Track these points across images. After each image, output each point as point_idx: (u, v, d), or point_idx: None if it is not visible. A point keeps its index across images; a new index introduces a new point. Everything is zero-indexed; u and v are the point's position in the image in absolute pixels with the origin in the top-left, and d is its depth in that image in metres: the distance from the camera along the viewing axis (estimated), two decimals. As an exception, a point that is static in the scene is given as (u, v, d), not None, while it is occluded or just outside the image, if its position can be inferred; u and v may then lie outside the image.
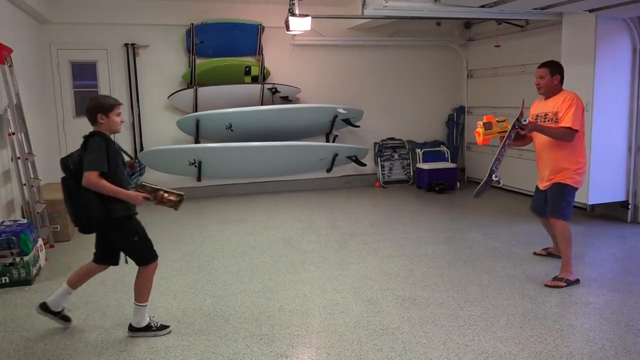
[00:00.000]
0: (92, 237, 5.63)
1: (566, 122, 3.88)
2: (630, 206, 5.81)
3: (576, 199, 5.70)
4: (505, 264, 4.46)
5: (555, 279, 4.01)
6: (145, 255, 3.25)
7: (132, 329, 3.25)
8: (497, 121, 4.09)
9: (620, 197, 5.83)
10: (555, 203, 4.06)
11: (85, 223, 3.19)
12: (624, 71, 5.62)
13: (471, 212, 6.48)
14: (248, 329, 3.32)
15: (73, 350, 3.07)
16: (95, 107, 3.11)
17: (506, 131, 4.07)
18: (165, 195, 3.24)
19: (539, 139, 4.12)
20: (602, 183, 5.66)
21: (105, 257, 3.35)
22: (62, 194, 3.20)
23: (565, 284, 3.95)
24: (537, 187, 4.31)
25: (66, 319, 3.37)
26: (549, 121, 4.03)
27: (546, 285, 3.96)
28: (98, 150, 3.01)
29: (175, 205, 3.28)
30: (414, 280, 4.12)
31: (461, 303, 3.64)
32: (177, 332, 3.29)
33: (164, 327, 3.30)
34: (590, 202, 5.74)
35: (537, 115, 4.16)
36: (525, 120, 3.91)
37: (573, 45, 5.69)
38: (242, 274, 4.33)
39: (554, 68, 4.04)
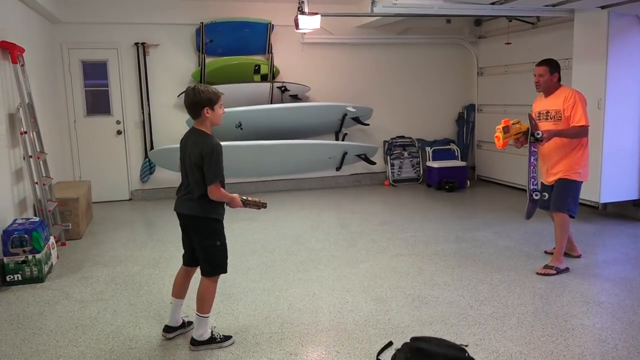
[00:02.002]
0: (102, 235, 5.69)
1: (578, 120, 4.00)
2: (643, 205, 5.75)
3: (589, 198, 5.77)
4: (516, 263, 4.43)
5: (546, 266, 4.16)
6: (218, 263, 3.08)
7: (194, 342, 3.03)
8: (512, 124, 4.22)
9: (633, 196, 5.76)
10: (561, 199, 4.14)
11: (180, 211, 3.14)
12: (636, 68, 5.55)
13: (481, 211, 6.44)
14: (257, 327, 3.32)
15: (85, 347, 3.10)
16: (202, 100, 2.91)
17: (521, 132, 4.20)
18: (249, 199, 3.27)
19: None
20: (614, 181, 5.60)
21: (192, 260, 3.22)
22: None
23: (555, 272, 4.11)
24: (541, 183, 4.31)
25: (189, 323, 3.28)
26: (551, 119, 4.15)
27: (537, 273, 4.12)
28: (217, 159, 2.95)
29: (259, 207, 3.31)
30: (424, 279, 4.11)
31: (471, 302, 3.63)
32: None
33: (227, 337, 3.10)
34: (602, 201, 5.68)
35: (539, 113, 4.28)
36: (539, 134, 4.00)
37: (585, 42, 5.63)
38: (252, 272, 4.34)
39: (553, 66, 4.16)
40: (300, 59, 7.83)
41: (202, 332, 3.04)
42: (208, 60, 7.33)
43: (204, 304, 3.03)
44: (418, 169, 8.41)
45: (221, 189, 2.99)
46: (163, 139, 7.38)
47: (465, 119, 8.61)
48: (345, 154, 7.63)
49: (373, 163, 7.91)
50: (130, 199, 7.46)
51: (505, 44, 7.43)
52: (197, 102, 2.92)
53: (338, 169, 7.93)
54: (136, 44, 7.20)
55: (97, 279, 4.26)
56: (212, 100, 2.94)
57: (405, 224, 5.81)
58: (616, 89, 5.46)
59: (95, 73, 7.23)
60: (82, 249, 5.11)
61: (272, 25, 7.46)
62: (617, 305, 3.55)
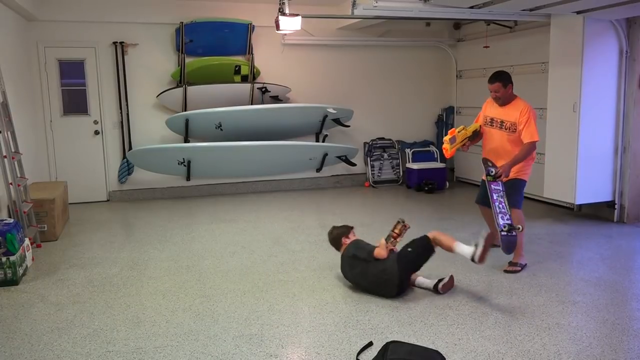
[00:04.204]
0: (79, 236, 5.61)
1: (530, 137, 4.27)
2: (616, 206, 5.88)
3: (564, 199, 5.89)
4: (493, 264, 4.48)
5: (511, 264, 4.35)
6: None
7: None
8: (458, 131, 4.54)
9: (607, 197, 5.89)
10: (515, 196, 4.35)
11: None
12: (610, 72, 5.68)
13: (460, 212, 6.51)
14: (237, 328, 3.31)
15: (60, 351, 3.05)
16: (339, 235, 4.15)
17: (467, 137, 4.53)
18: (396, 232, 3.89)
19: (496, 139, 4.46)
20: (589, 183, 5.72)
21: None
22: None
23: (520, 268, 4.31)
24: (483, 180, 4.50)
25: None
26: (505, 129, 4.40)
27: (505, 271, 4.28)
28: (365, 247, 3.92)
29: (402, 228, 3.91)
30: (404, 279, 4.13)
31: (450, 302, 3.66)
32: (165, 332, 3.27)
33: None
34: (578, 202, 5.80)
35: (493, 119, 4.51)
36: (493, 172, 4.24)
37: (561, 46, 5.74)
38: (232, 274, 4.32)
39: (505, 79, 4.39)
40: (281, 60, 7.82)
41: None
42: (188, 60, 7.27)
43: None
44: (398, 170, 8.47)
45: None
46: (142, 140, 7.30)
47: (445, 121, 8.70)
48: (325, 155, 7.65)
49: (353, 164, 7.93)
50: (108, 200, 7.36)
51: (484, 47, 7.53)
52: (336, 237, 4.15)
53: (318, 170, 7.94)
54: (114, 43, 7.11)
55: (74, 281, 4.19)
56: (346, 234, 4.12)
57: (385, 225, 5.79)
58: (591, 92, 5.58)
59: (72, 72, 7.11)
60: (58, 251, 5.02)
61: (253, 25, 7.43)
62: (592, 305, 3.62)
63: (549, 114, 5.94)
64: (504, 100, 4.41)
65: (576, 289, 3.91)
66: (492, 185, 4.22)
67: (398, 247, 3.86)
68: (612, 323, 3.33)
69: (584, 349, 3.00)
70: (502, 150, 4.42)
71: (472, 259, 3.61)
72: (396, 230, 3.84)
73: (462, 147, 4.58)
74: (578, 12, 5.39)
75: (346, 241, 4.03)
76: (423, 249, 3.78)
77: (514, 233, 3.98)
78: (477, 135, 4.63)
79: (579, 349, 3.00)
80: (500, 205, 4.12)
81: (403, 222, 3.86)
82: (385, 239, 3.83)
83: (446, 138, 4.60)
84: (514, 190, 4.34)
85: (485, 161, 4.44)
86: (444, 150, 4.63)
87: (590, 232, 5.50)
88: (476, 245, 3.63)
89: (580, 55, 5.48)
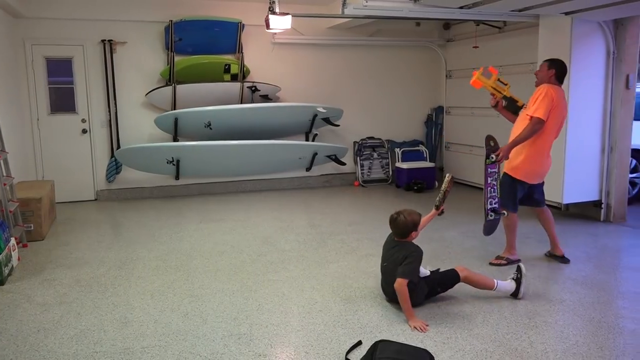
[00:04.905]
0: (66, 236, 5.55)
1: (534, 110, 4.09)
2: (603, 205, 5.94)
3: (552, 199, 5.92)
4: (482, 263, 4.51)
5: (498, 257, 4.46)
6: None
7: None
8: (499, 80, 4.29)
9: (594, 197, 5.95)
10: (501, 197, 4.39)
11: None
12: (598, 73, 5.73)
13: (449, 211, 6.50)
14: (226, 328, 3.30)
15: (46, 351, 3.02)
16: (413, 224, 3.50)
17: (500, 94, 4.33)
18: (446, 188, 3.85)
19: (518, 121, 4.31)
20: (576, 183, 5.77)
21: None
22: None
23: (506, 262, 4.38)
24: (509, 180, 4.32)
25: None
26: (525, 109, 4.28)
27: (490, 264, 4.41)
28: (417, 263, 3.44)
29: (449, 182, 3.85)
30: (393, 278, 4.14)
31: (438, 301, 3.68)
32: (153, 332, 3.25)
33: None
34: (565, 202, 5.84)
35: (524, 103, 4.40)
36: (493, 158, 4.18)
37: (549, 46, 5.78)
38: (221, 273, 4.30)
39: (552, 62, 4.24)
40: (270, 59, 7.80)
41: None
42: (177, 58, 7.23)
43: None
44: (387, 169, 8.49)
45: (406, 288, 3.37)
46: (130, 138, 7.25)
47: (434, 121, 8.73)
48: (315, 154, 7.64)
49: (343, 164, 7.94)
50: (95, 199, 7.30)
51: (473, 47, 7.57)
52: (409, 225, 3.51)
53: (308, 169, 7.93)
54: (103, 41, 7.05)
55: (61, 281, 4.15)
56: (416, 224, 3.55)
57: (375, 225, 5.85)
58: (578, 92, 5.63)
59: (59, 70, 7.04)
60: (44, 251, 4.97)
61: (243, 24, 7.41)
62: (578, 303, 3.65)
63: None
64: (539, 80, 4.26)
65: (563, 288, 3.94)
66: (488, 169, 4.18)
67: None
68: (599, 321, 3.36)
69: (571, 346, 3.03)
70: (516, 133, 4.26)
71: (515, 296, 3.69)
72: (448, 187, 3.80)
73: (493, 97, 4.39)
74: (566, 13, 5.43)
75: (413, 236, 3.55)
76: (449, 279, 3.66)
77: (496, 217, 4.08)
78: (513, 110, 4.43)
79: (566, 346, 3.03)
80: (492, 190, 4.14)
81: (450, 177, 3.82)
82: (438, 198, 3.82)
83: (482, 68, 4.42)
84: (500, 187, 4.30)
85: (488, 140, 4.27)
86: (473, 75, 4.42)
87: (577, 231, 5.55)
88: (514, 280, 3.70)
89: (568, 56, 5.52)
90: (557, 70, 4.22)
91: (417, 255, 3.45)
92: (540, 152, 4.22)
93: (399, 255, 3.46)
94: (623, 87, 5.74)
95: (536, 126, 4.07)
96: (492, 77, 4.37)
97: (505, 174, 4.33)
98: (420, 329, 3.24)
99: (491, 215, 4.11)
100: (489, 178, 4.19)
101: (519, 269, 3.74)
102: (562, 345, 3.05)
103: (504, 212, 4.09)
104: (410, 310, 3.35)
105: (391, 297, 3.56)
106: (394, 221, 3.54)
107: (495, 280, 3.71)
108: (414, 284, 3.44)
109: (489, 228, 4.34)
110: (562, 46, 5.59)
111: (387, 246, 3.66)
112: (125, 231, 5.68)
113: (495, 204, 4.12)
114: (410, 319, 3.33)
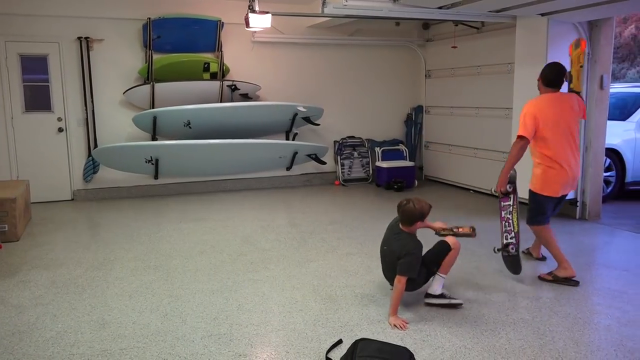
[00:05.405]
0: (42, 236, 5.45)
1: (518, 131, 3.98)
2: (578, 204, 6.04)
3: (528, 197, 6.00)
4: (462, 261, 4.53)
5: (549, 273, 4.09)
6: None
7: (427, 296, 3.58)
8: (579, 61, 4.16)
9: (571, 196, 6.05)
10: (528, 211, 4.19)
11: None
12: (573, 73, 5.82)
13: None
14: (206, 328, 3.27)
15: (21, 354, 2.96)
16: (421, 213, 3.44)
17: (574, 64, 4.16)
18: (460, 230, 3.65)
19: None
20: (552, 181, 5.84)
21: None
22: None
23: (552, 278, 4.04)
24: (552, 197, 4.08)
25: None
26: None
27: (539, 277, 4.10)
28: (417, 257, 3.41)
29: (470, 234, 3.68)
30: (373, 277, 4.16)
31: (419, 299, 3.70)
32: (132, 333, 3.21)
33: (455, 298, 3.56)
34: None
35: None
36: (494, 190, 4.08)
37: (526, 47, 5.87)
38: (200, 273, 4.27)
39: (542, 71, 4.10)
40: (250, 57, 7.77)
41: (435, 288, 3.56)
42: (155, 56, 7.15)
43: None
44: (368, 168, 8.52)
45: (403, 285, 3.39)
46: (108, 137, 7.14)
47: (414, 120, 8.79)
48: (295, 153, 7.63)
49: (323, 163, 7.94)
50: (72, 199, 7.18)
51: (452, 47, 7.64)
52: (416, 214, 3.44)
53: (288, 168, 7.92)
54: (79, 38, 6.93)
55: (36, 283, 4.08)
56: (424, 215, 3.48)
57: (355, 223, 5.87)
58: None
59: (34, 67, 6.91)
60: (19, 252, 4.87)
61: (222, 22, 7.36)
62: (554, 300, 3.71)
63: (514, 114, 6.06)
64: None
65: (540, 285, 4.00)
66: (501, 202, 4.04)
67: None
68: (574, 317, 3.42)
69: (547, 342, 3.08)
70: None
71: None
72: (463, 230, 3.62)
73: (501, 214, 4.12)
74: (542, 15, 5.52)
75: (418, 225, 3.50)
76: (442, 253, 3.59)
77: (513, 253, 3.87)
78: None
79: (543, 343, 3.08)
80: (507, 224, 3.94)
81: (473, 229, 3.66)
82: (448, 230, 3.63)
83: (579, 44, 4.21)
84: (529, 202, 4.12)
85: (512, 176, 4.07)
86: (582, 44, 4.17)
87: (553, 229, 5.61)
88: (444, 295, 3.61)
89: (544, 56, 5.60)
90: (542, 77, 4.08)
91: (416, 254, 3.42)
92: (550, 163, 3.97)
93: (398, 246, 3.42)
94: (597, 87, 5.85)
95: (518, 144, 3.93)
96: (578, 50, 4.15)
97: (529, 189, 4.15)
98: (400, 326, 3.26)
99: (508, 251, 3.88)
100: (502, 212, 4.03)
101: (450, 298, 3.62)
102: (539, 341, 3.10)
103: (512, 245, 3.87)
104: (396, 307, 3.37)
105: (392, 283, 3.52)
106: (402, 207, 3.47)
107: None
108: (414, 277, 3.45)
109: (511, 265, 4.00)
110: (539, 47, 5.68)
111: (391, 230, 3.61)
112: (103, 231, 5.60)
113: (511, 238, 3.92)
114: (392, 315, 3.35)
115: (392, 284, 3.51)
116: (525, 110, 3.97)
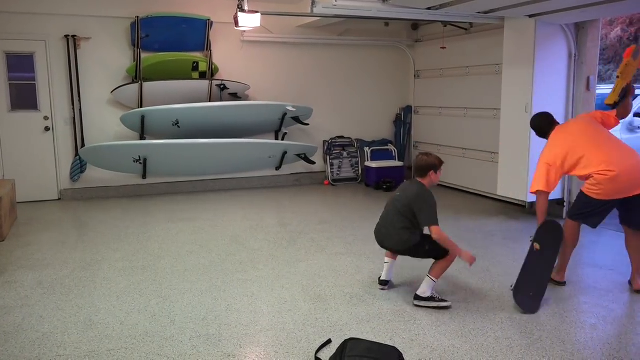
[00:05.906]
0: (28, 237, 5.39)
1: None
2: (565, 203, 6.10)
3: (516, 197, 6.05)
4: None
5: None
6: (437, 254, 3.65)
7: (417, 297, 3.62)
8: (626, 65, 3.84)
9: (557, 195, 6.11)
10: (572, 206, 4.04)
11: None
12: (560, 75, 5.88)
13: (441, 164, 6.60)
14: (195, 329, 3.26)
15: (7, 356, 2.92)
16: (431, 164, 3.65)
17: (625, 73, 3.83)
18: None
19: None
20: (540, 181, 5.89)
21: None
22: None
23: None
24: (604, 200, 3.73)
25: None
26: None
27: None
28: (434, 203, 3.61)
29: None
30: (362, 277, 4.17)
31: (407, 298, 3.72)
32: (120, 334, 3.19)
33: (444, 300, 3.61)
34: (529, 200, 5.98)
35: None
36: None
37: (514, 48, 5.91)
38: (189, 274, 4.25)
39: (536, 130, 4.12)
40: (240, 57, 7.75)
41: (424, 290, 3.62)
42: (144, 55, 7.10)
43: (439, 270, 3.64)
44: (357, 168, 8.54)
45: (443, 233, 3.56)
46: (95, 137, 7.08)
47: (403, 120, 8.82)
48: (285, 153, 7.63)
49: (313, 163, 7.95)
50: (59, 199, 7.11)
51: (441, 48, 7.68)
52: (428, 165, 3.67)
53: (278, 168, 7.91)
54: (66, 36, 6.87)
55: (22, 284, 4.03)
56: (437, 166, 3.69)
57: (344, 223, 5.88)
58: (542, 93, 5.77)
59: (21, 66, 6.83)
60: (5, 252, 4.82)
61: (211, 22, 7.33)
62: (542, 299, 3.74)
63: (502, 115, 6.11)
64: None
65: (527, 284, 4.04)
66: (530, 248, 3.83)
67: None
68: (561, 316, 3.46)
69: (535, 341, 3.10)
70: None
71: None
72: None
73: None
74: (530, 16, 5.56)
75: (432, 177, 3.68)
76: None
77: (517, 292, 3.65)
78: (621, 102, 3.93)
79: (530, 341, 3.10)
80: (525, 267, 3.74)
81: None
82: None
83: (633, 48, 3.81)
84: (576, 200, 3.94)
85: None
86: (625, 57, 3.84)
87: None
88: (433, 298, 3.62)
89: (532, 57, 5.65)
90: (534, 129, 4.14)
91: (432, 201, 3.62)
92: (589, 167, 3.68)
93: (413, 190, 3.64)
94: (584, 88, 5.91)
95: (540, 198, 3.82)
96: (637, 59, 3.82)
97: (580, 191, 3.87)
98: (472, 259, 3.54)
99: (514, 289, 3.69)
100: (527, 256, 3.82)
101: (441, 300, 3.61)
102: (526, 340, 3.13)
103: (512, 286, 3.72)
104: (457, 247, 3.54)
105: (381, 241, 3.84)
106: (417, 157, 3.78)
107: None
108: (421, 232, 3.65)
109: (522, 304, 3.60)
110: (526, 48, 5.72)
111: (405, 184, 3.90)
112: (90, 231, 5.56)
113: (519, 281, 3.69)
114: (461, 254, 3.53)
115: (382, 244, 3.81)
116: (543, 154, 3.88)
